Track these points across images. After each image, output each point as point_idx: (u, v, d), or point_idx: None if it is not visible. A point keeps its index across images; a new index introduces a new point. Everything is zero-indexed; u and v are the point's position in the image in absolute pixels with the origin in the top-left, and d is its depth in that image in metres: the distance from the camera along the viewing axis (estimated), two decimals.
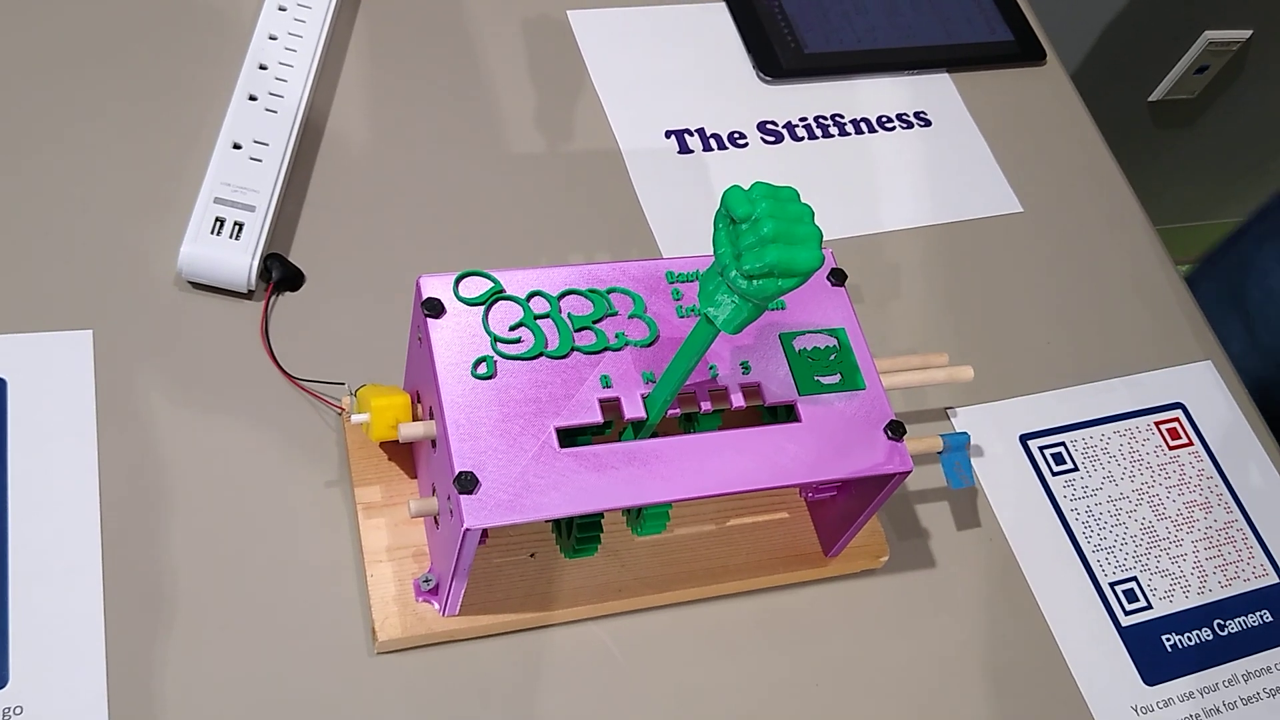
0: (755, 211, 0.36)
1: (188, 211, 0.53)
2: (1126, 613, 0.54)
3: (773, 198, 0.37)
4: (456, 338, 0.43)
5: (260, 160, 0.55)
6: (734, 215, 0.37)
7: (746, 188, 0.37)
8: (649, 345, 0.44)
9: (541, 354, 0.43)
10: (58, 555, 0.45)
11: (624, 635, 0.49)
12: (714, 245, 0.38)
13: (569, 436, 0.43)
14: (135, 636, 0.44)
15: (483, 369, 0.42)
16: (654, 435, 0.44)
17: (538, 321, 0.44)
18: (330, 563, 0.47)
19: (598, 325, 0.44)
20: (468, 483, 0.40)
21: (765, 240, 0.36)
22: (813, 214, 0.37)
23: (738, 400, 0.44)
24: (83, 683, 0.43)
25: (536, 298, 0.44)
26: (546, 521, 0.48)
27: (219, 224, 0.52)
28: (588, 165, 0.62)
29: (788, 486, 0.44)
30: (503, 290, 0.44)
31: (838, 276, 0.48)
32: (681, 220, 0.61)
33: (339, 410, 0.50)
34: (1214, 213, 1.67)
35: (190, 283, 0.53)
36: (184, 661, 0.44)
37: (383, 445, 0.49)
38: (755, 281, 0.37)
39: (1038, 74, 0.74)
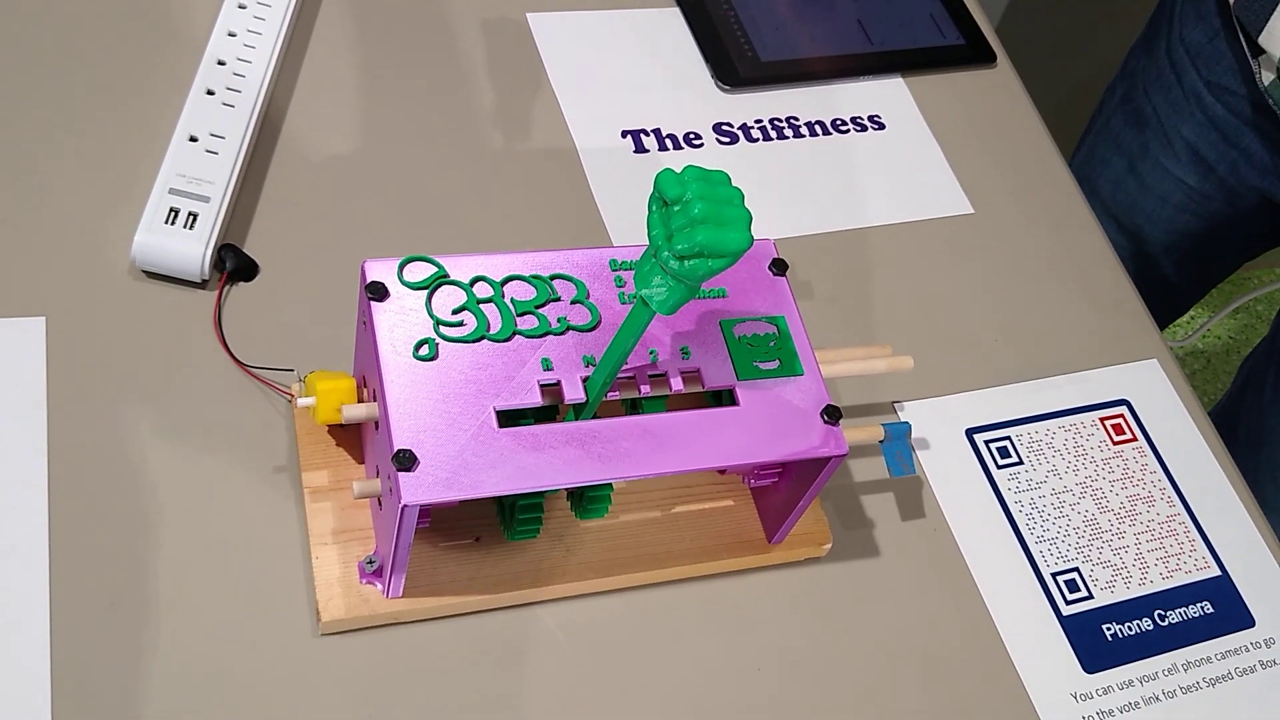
0: (686, 193, 0.37)
1: (143, 202, 0.53)
2: (1068, 602, 0.55)
3: (704, 180, 0.38)
4: (400, 320, 0.43)
5: (216, 153, 0.55)
6: (666, 197, 0.38)
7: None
8: (591, 330, 0.45)
9: (483, 337, 0.44)
10: (4, 538, 0.46)
11: (569, 620, 0.49)
12: (648, 228, 0.39)
13: (511, 419, 0.43)
14: (80, 618, 0.45)
15: (425, 350, 0.43)
16: (596, 419, 0.44)
17: (480, 306, 0.45)
18: (277, 546, 0.48)
19: (540, 310, 0.45)
20: (406, 460, 0.40)
21: (695, 221, 0.37)
22: (743, 196, 0.38)
23: (677, 384, 0.45)
24: (26, 664, 0.43)
25: (480, 283, 0.45)
26: (491, 504, 0.49)
27: (173, 214, 0.53)
28: (544, 163, 0.63)
29: (725, 468, 0.45)
30: (446, 275, 0.45)
31: (779, 267, 0.49)
32: (636, 218, 0.62)
33: (289, 397, 0.51)
34: None
35: (145, 272, 0.53)
36: (129, 642, 0.45)
37: (331, 432, 0.50)
38: (686, 262, 0.38)
39: (989, 76, 0.75)
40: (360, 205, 0.59)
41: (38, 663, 0.43)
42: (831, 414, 0.46)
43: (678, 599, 0.51)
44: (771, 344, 0.47)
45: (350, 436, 0.50)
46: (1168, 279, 0.92)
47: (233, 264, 0.54)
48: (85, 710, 0.43)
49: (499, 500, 0.48)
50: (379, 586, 0.46)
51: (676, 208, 0.38)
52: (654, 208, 0.39)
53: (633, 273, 0.47)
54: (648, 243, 0.39)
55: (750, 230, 0.38)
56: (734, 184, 0.39)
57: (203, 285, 0.54)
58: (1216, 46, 0.76)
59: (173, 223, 0.53)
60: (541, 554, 0.49)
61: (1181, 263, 0.90)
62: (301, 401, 0.46)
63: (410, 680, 0.46)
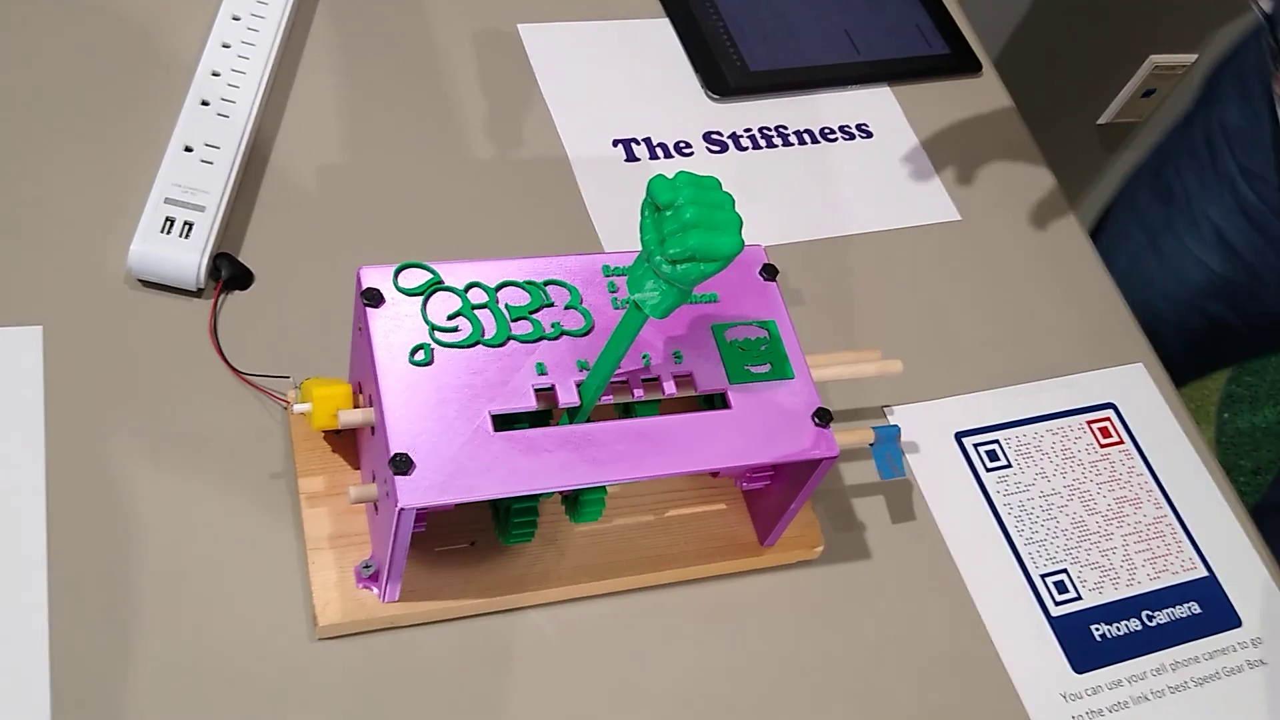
0: (678, 198, 0.38)
1: (139, 212, 0.54)
2: (1057, 603, 0.56)
3: (695, 185, 0.38)
4: (395, 326, 0.44)
5: (211, 163, 0.56)
6: (658, 202, 0.38)
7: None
8: (584, 335, 0.46)
9: (478, 342, 0.44)
10: (3, 545, 0.46)
11: (563, 623, 0.50)
12: (640, 233, 0.40)
13: (506, 423, 0.44)
14: (79, 624, 0.45)
15: (420, 356, 0.43)
16: (590, 423, 0.45)
17: (475, 311, 0.45)
18: (274, 552, 0.48)
19: (534, 316, 0.46)
20: (402, 464, 0.41)
21: (687, 225, 0.38)
22: (733, 201, 0.39)
23: (670, 388, 0.46)
24: (26, 669, 0.43)
25: (475, 289, 0.46)
26: (485, 509, 0.49)
27: (169, 223, 0.53)
28: (537, 172, 0.64)
29: (717, 470, 0.45)
30: (441, 281, 0.45)
31: (769, 272, 0.50)
32: (627, 225, 0.63)
33: (284, 404, 0.51)
34: None
35: (141, 281, 0.54)
36: (127, 647, 0.45)
37: (327, 438, 0.50)
38: (679, 266, 0.38)
39: (975, 85, 0.76)
40: (355, 214, 0.59)
41: (37, 668, 0.43)
42: (822, 416, 0.46)
43: (671, 602, 0.51)
44: (762, 348, 0.48)
45: (346, 443, 0.50)
46: (1172, 357, 0.90)
47: (228, 272, 0.54)
48: (84, 714, 0.43)
49: (494, 504, 0.48)
50: (375, 591, 0.47)
51: (669, 213, 0.38)
52: (646, 213, 0.39)
53: (625, 278, 0.48)
54: (640, 248, 0.40)
55: (741, 234, 0.38)
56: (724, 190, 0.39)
57: (198, 294, 0.54)
58: (1256, 132, 0.75)
59: (168, 232, 0.53)
60: (536, 558, 0.49)
61: (1190, 348, 0.88)
62: (298, 407, 0.47)
63: (407, 684, 0.47)
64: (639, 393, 0.46)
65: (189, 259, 0.53)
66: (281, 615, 0.47)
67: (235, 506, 0.49)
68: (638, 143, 0.67)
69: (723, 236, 0.38)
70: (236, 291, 0.55)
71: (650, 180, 0.39)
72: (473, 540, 0.49)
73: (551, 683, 0.48)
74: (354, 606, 0.46)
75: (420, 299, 0.45)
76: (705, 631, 0.51)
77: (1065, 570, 0.57)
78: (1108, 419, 0.63)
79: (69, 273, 0.53)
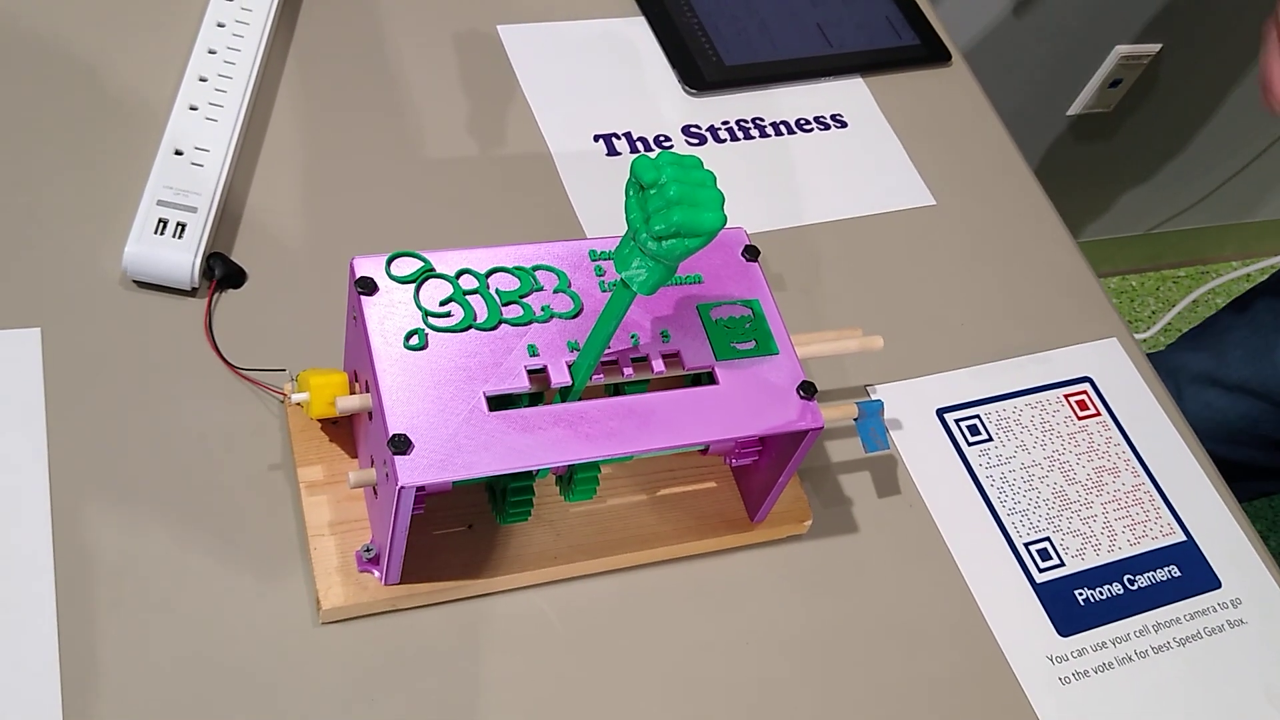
0: (661, 177, 0.39)
1: (132, 214, 0.55)
2: (1040, 570, 0.57)
3: (677, 164, 0.40)
4: (389, 313, 0.45)
5: (201, 165, 0.57)
6: (642, 182, 0.40)
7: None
8: (573, 317, 0.47)
9: (471, 326, 0.46)
10: (9, 542, 0.47)
11: (560, 602, 0.51)
12: (625, 213, 0.41)
13: (500, 404, 0.45)
14: (87, 621, 0.46)
15: (414, 340, 0.45)
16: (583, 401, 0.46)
17: (467, 297, 0.46)
18: (275, 541, 0.49)
19: (524, 300, 0.47)
20: (401, 444, 0.42)
21: (671, 202, 0.39)
22: (715, 179, 0.40)
23: (659, 366, 0.47)
24: (36, 661, 0.44)
25: (465, 275, 0.47)
26: (482, 492, 0.50)
27: (162, 224, 0.54)
28: (520, 168, 0.65)
29: (707, 446, 0.46)
30: (433, 269, 0.47)
31: (751, 253, 0.51)
32: (610, 218, 0.64)
33: (281, 397, 0.52)
34: (1139, 224, 1.73)
35: (136, 281, 0.55)
36: (135, 641, 0.46)
37: (324, 427, 0.51)
38: (664, 242, 0.40)
39: (945, 75, 0.78)
40: (343, 213, 0.60)
41: (47, 660, 0.44)
42: (807, 389, 0.48)
43: (666, 579, 0.52)
44: (747, 325, 0.49)
45: (342, 432, 0.51)
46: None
47: (221, 271, 0.55)
48: (94, 704, 0.44)
49: (490, 486, 0.49)
50: (376, 574, 0.48)
51: (653, 191, 0.40)
52: (631, 193, 0.41)
53: (611, 262, 0.49)
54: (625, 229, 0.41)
55: (723, 210, 0.40)
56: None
57: (193, 293, 0.55)
58: None
59: (162, 233, 0.54)
60: (533, 539, 0.51)
61: None
62: (296, 397, 0.48)
63: (409, 664, 0.48)
64: (629, 371, 0.47)
65: (183, 259, 0.54)
66: (285, 602, 0.48)
67: (236, 498, 0.50)
68: (618, 137, 0.68)
69: (706, 212, 0.39)
70: (230, 290, 0.56)
71: (634, 161, 0.40)
72: (470, 523, 0.50)
73: (552, 660, 0.49)
74: (356, 590, 0.47)
75: (413, 286, 0.46)
76: (700, 606, 0.52)
77: (1048, 538, 0.58)
78: (1084, 392, 0.65)
79: (65, 275, 0.54)
